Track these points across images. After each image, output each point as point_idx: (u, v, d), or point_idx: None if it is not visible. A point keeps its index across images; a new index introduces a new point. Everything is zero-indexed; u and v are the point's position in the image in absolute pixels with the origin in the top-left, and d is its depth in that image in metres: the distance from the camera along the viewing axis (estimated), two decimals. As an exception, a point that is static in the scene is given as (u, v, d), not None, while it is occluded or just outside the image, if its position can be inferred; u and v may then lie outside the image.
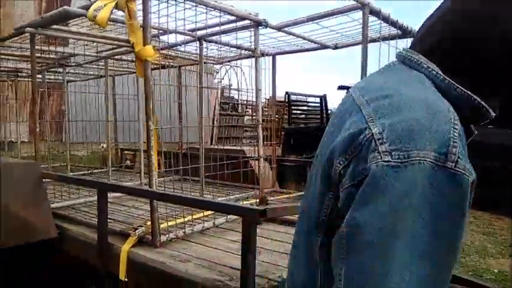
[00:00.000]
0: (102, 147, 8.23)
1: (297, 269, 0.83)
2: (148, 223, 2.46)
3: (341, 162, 0.63)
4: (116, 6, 2.48)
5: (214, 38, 3.57)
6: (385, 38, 3.26)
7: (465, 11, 0.68)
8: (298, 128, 8.07)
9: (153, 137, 2.46)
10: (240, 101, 14.51)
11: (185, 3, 2.57)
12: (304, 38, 3.53)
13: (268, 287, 1.85)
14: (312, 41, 3.65)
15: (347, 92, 0.78)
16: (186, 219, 2.66)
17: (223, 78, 14.26)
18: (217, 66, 11.12)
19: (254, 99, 4.20)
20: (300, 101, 8.64)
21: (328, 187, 0.67)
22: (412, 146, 0.55)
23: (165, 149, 5.62)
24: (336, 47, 3.79)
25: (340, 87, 11.03)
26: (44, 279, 2.94)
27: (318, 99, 9.57)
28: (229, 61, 5.25)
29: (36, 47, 3.75)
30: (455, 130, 0.57)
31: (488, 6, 0.67)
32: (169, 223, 2.58)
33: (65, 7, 2.72)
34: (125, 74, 5.79)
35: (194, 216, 2.70)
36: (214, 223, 2.77)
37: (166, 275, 2.08)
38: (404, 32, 3.21)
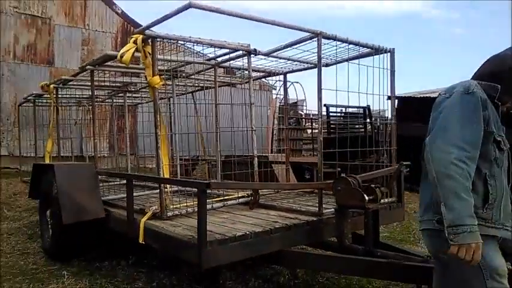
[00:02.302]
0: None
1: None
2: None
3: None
4: (137, 50, 3.52)
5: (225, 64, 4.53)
6: (362, 56, 3.99)
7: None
8: (335, 138, 8.64)
9: (161, 142, 3.42)
10: (304, 115, 15.29)
11: (184, 44, 3.53)
12: (294, 60, 4.32)
13: (221, 238, 2.68)
14: (303, 62, 4.42)
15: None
16: (189, 203, 3.57)
17: (280, 94, 15.16)
18: (278, 84, 12.03)
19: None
20: (339, 112, 9.23)
21: None
22: (452, 90, 1.86)
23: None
24: (327, 65, 4.50)
25: (389, 97, 11.36)
26: (95, 247, 4.03)
27: (361, 110, 10.07)
28: (257, 78, 6.10)
29: (106, 77, 5.04)
30: (476, 86, 1.82)
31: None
32: (176, 205, 3.52)
33: (107, 51, 3.83)
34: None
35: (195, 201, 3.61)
36: (212, 206, 3.64)
37: (162, 235, 3.00)
38: (377, 50, 3.89)
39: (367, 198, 2.94)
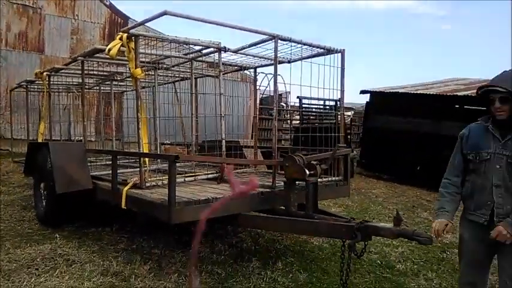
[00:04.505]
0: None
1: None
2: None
3: None
4: (122, 45, 4.14)
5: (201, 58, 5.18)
6: (317, 55, 4.66)
7: None
8: (306, 127, 9.39)
9: (142, 123, 4.06)
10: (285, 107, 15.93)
11: (162, 42, 4.16)
12: (259, 57, 4.98)
13: (187, 201, 3.36)
14: (268, 59, 5.08)
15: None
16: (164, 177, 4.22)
17: (265, 86, 15.81)
18: (261, 76, 12.65)
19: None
20: (312, 104, 9.92)
21: None
22: None
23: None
24: (289, 62, 5.16)
25: (362, 92, 12.26)
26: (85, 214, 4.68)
27: (332, 102, 10.80)
28: (229, 72, 6.71)
29: (94, 67, 5.64)
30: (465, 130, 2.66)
31: None
32: (154, 178, 4.18)
33: (96, 45, 4.44)
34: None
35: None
36: (185, 180, 4.31)
37: (140, 200, 3.67)
38: (328, 50, 4.56)
39: (308, 172, 3.65)
